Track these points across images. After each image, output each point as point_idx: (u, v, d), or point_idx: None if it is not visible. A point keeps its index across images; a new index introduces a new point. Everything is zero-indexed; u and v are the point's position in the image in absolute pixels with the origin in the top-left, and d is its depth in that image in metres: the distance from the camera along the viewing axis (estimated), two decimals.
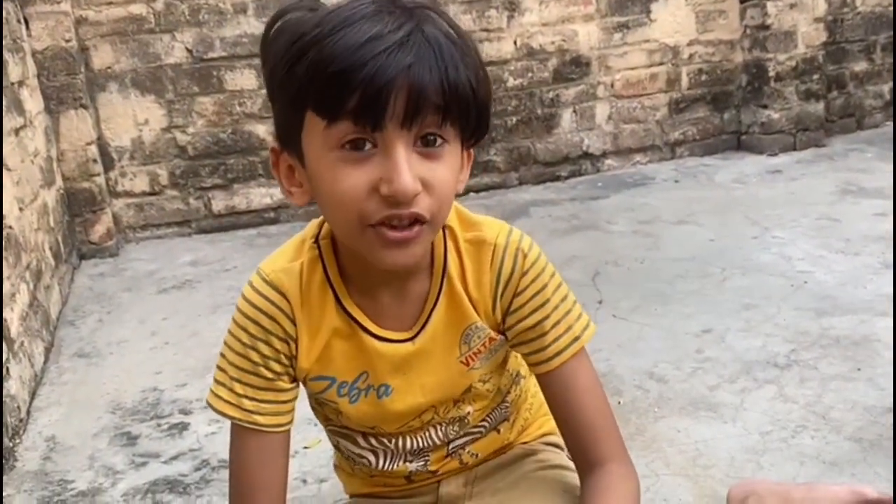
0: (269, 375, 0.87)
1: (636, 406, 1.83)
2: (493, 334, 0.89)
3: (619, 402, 1.85)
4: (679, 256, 2.84)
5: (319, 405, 0.96)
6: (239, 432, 0.89)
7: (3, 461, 1.82)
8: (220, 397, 0.88)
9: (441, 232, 0.87)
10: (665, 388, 1.90)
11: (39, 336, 2.42)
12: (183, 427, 1.95)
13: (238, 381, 0.87)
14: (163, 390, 2.17)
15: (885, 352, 1.96)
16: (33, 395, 2.19)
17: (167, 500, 1.66)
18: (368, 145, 0.73)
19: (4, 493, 1.73)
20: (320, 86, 0.71)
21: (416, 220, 0.75)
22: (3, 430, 1.85)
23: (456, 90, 0.72)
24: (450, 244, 0.88)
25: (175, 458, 1.82)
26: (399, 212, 0.73)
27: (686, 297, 2.46)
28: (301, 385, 0.92)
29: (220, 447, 1.82)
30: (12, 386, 1.99)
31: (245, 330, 0.86)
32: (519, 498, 0.95)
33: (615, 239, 3.14)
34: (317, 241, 0.88)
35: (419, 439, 0.96)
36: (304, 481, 1.67)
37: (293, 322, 0.86)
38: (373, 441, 0.96)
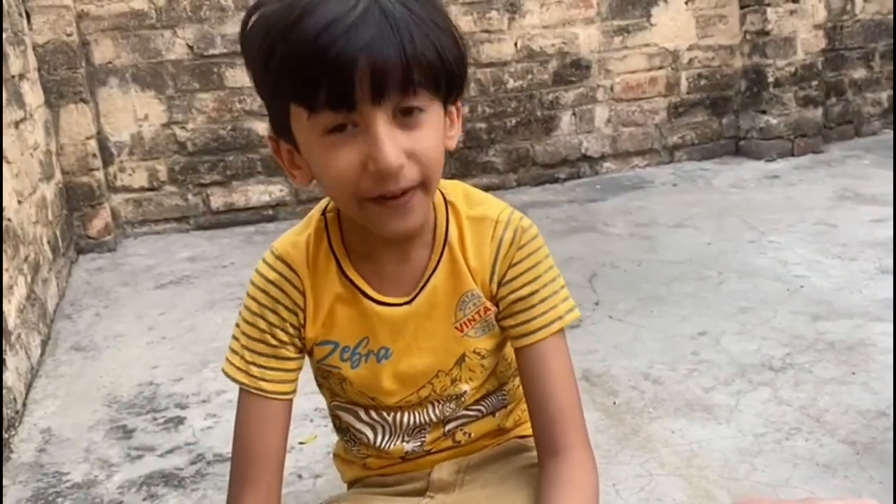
0: (275, 343, 0.92)
1: (631, 407, 1.84)
2: (487, 304, 0.94)
3: (615, 403, 1.86)
4: (676, 259, 2.85)
5: (325, 378, 1.00)
6: (245, 399, 0.94)
7: None
8: (232, 364, 0.94)
9: (444, 206, 0.93)
10: (660, 389, 1.90)
11: (36, 329, 2.42)
12: (179, 421, 1.95)
13: (247, 349, 0.93)
14: (159, 384, 2.17)
15: (879, 356, 1.97)
16: (29, 387, 2.19)
17: (162, 493, 1.66)
18: (350, 126, 0.77)
19: None
20: (292, 82, 0.75)
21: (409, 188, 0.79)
22: None
23: (416, 59, 0.74)
24: (452, 218, 0.93)
25: (170, 451, 1.82)
26: (390, 189, 0.78)
27: (682, 299, 2.47)
28: (307, 359, 0.97)
29: (215, 441, 1.83)
30: (8, 378, 1.99)
31: (255, 299, 0.93)
32: (509, 492, 0.96)
33: (612, 241, 3.15)
34: (324, 213, 0.94)
35: (417, 415, 0.99)
36: (300, 476, 1.67)
37: (301, 293, 0.92)
38: (373, 414, 1.00)
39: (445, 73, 0.78)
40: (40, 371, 2.32)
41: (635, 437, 1.71)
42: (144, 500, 1.64)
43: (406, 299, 0.92)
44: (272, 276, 0.92)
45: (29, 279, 2.47)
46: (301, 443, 1.78)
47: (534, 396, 0.93)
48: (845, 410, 1.74)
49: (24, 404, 2.09)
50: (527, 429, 1.06)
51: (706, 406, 1.81)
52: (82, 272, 3.29)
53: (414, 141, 0.78)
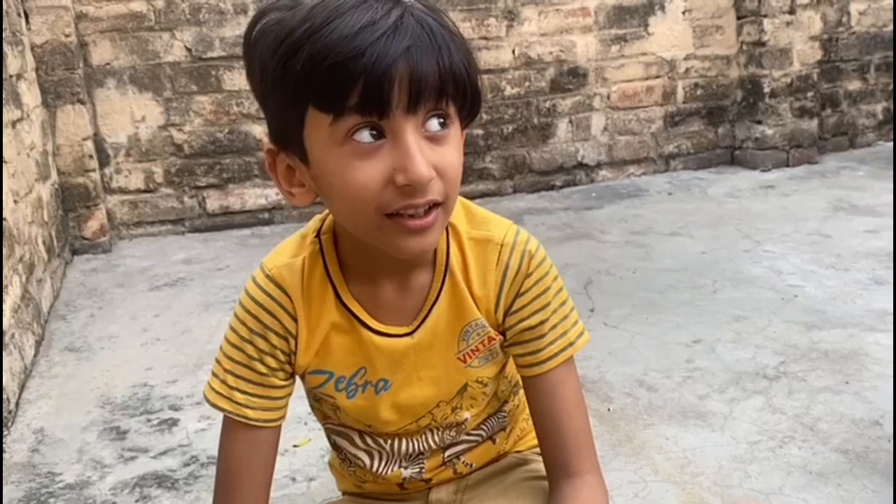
0: (263, 370, 0.87)
1: (625, 413, 1.84)
2: (492, 333, 0.89)
3: (609, 409, 1.86)
4: (671, 267, 2.86)
5: (317, 401, 0.95)
6: (229, 424, 0.89)
7: None
8: (213, 388, 0.88)
9: None
10: (655, 396, 1.91)
11: (30, 329, 2.42)
12: (172, 423, 1.95)
13: (231, 373, 0.87)
14: (153, 386, 2.16)
15: (873, 366, 1.98)
16: (22, 387, 2.18)
17: (155, 494, 1.66)
18: (377, 136, 0.72)
19: None
20: (320, 80, 0.70)
21: (432, 205, 0.75)
22: None
23: (451, 70, 0.73)
24: (452, 240, 0.87)
25: (164, 453, 1.81)
26: (416, 201, 0.73)
27: (677, 307, 2.47)
28: (299, 380, 0.92)
29: (209, 444, 1.82)
30: (2, 377, 1.98)
31: (244, 324, 0.86)
32: (510, 502, 0.95)
33: (608, 248, 3.16)
34: (318, 235, 0.88)
35: (415, 442, 0.95)
36: (294, 479, 1.67)
37: (294, 319, 0.86)
38: (369, 441, 0.95)
39: (472, 91, 0.76)
40: (34, 371, 2.31)
41: (629, 443, 1.71)
42: (137, 501, 1.64)
43: (407, 330, 0.87)
44: (263, 299, 0.85)
45: (23, 279, 2.46)
46: (295, 446, 1.78)
47: (546, 423, 0.90)
48: (839, 419, 1.75)
49: (17, 404, 2.09)
50: (524, 444, 1.05)
51: (700, 413, 1.82)
52: (77, 273, 3.28)
53: (440, 156, 0.74)
